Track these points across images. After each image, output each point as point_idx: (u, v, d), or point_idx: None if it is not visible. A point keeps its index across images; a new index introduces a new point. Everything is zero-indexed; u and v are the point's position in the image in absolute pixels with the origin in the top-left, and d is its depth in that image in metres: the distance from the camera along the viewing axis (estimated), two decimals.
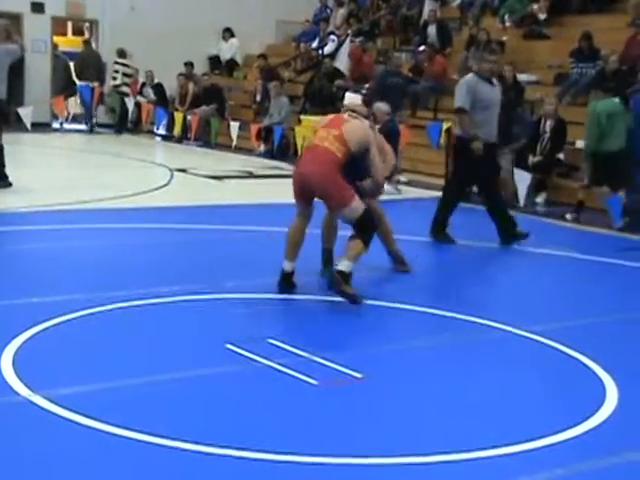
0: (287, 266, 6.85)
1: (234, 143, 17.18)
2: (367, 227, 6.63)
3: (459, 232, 9.79)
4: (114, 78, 19.73)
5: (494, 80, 9.39)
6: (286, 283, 6.84)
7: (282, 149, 16.36)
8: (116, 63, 19.82)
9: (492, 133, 9.19)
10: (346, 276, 6.48)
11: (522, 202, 11.60)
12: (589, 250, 8.95)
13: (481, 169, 9.20)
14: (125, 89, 19.72)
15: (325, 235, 7.48)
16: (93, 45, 20.55)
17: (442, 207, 9.43)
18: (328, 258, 7.50)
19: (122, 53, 19.73)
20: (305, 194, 6.80)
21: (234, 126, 17.33)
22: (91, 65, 19.63)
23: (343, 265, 6.51)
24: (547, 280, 8.25)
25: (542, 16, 16.74)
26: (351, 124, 6.80)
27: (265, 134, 16.75)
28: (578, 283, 8.10)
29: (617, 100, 11.17)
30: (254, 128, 16.87)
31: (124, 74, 19.70)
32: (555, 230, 10.62)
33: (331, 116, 7.08)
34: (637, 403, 4.99)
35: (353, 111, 7.00)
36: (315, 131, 6.97)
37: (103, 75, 19.78)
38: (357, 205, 6.59)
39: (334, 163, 6.61)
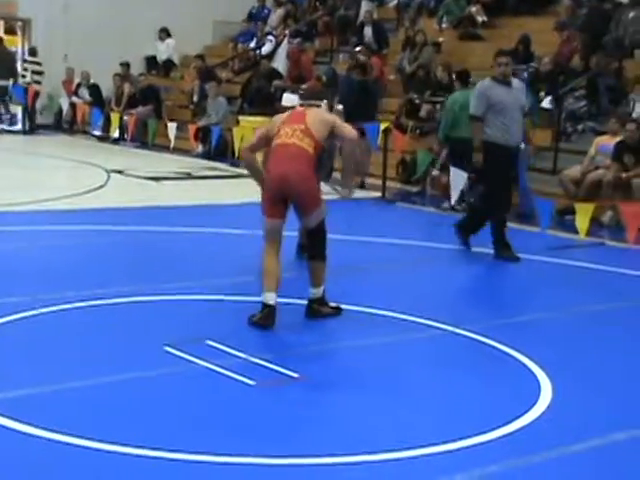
0: (271, 299, 6.14)
1: (172, 144, 17.06)
2: (321, 236, 6.37)
3: (403, 232, 9.86)
4: (23, 76, 19.52)
5: (514, 82, 8.98)
6: (273, 318, 6.13)
7: (220, 150, 16.29)
8: (25, 61, 19.71)
9: (511, 137, 8.76)
10: (321, 300, 6.42)
11: (453, 201, 11.64)
12: (523, 249, 9.05)
13: (505, 171, 8.87)
14: (36, 87, 19.51)
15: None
16: (31, 44, 20.26)
17: (492, 224, 8.90)
18: None
19: (33, 51, 19.72)
20: (283, 197, 6.28)
21: (171, 127, 17.20)
22: (2, 63, 19.36)
23: (314, 294, 6.39)
24: (483, 279, 8.35)
25: (480, 18, 16.94)
26: (313, 113, 6.50)
27: (203, 135, 16.66)
28: (513, 282, 8.21)
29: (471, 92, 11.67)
30: (192, 129, 16.77)
31: (33, 72, 19.50)
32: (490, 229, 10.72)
33: (286, 114, 6.58)
34: (571, 399, 5.08)
35: (312, 103, 6.65)
36: (277, 130, 6.42)
37: (15, 73, 19.51)
38: (323, 209, 6.37)
39: (309, 161, 6.30)
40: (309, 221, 6.37)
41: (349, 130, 6.50)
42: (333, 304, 6.50)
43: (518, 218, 10.83)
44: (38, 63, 19.55)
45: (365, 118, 13.17)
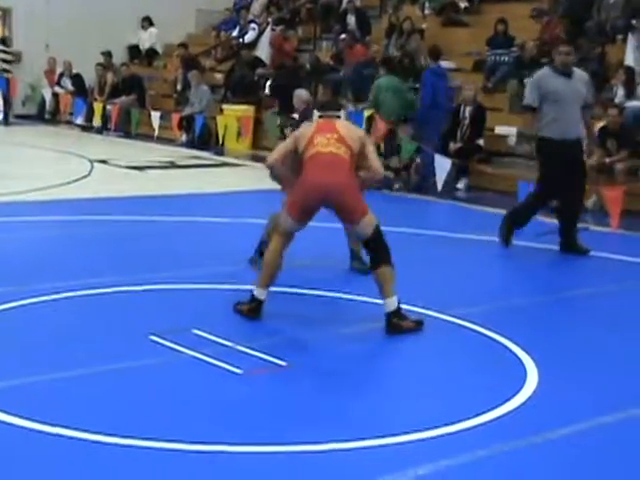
0: (262, 294, 6.07)
1: (155, 133, 17.01)
2: (380, 240, 6.03)
3: (385, 218, 9.85)
4: None
5: (577, 73, 8.50)
6: (259, 312, 6.09)
7: (204, 139, 16.25)
8: None
9: (567, 130, 8.29)
10: (399, 313, 5.94)
11: (440, 187, 11.73)
12: None
13: (563, 170, 8.36)
14: (5, 75, 19.38)
15: (268, 229, 7.23)
16: (11, 34, 20.15)
17: (521, 209, 8.76)
18: (263, 250, 7.40)
19: (4, 41, 19.68)
20: (320, 206, 6.06)
21: (155, 116, 17.15)
22: None
23: (390, 305, 5.91)
24: (469, 265, 8.36)
25: (462, 4, 16.97)
26: (342, 123, 6.31)
27: (187, 123, 16.62)
28: (499, 267, 8.23)
29: (397, 79, 12.87)
30: (175, 118, 16.72)
31: (3, 60, 19.38)
32: (476, 215, 10.76)
33: (312, 126, 6.27)
34: (556, 383, 5.10)
35: (331, 114, 6.41)
36: (308, 141, 6.09)
37: None
38: (371, 217, 6.02)
39: (348, 169, 6.05)
40: (360, 230, 6.04)
41: (379, 164, 6.35)
42: (414, 317, 6.04)
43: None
44: (8, 52, 19.43)
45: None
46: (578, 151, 8.54)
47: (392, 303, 5.92)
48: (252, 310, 6.08)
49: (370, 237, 6.00)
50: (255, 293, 6.09)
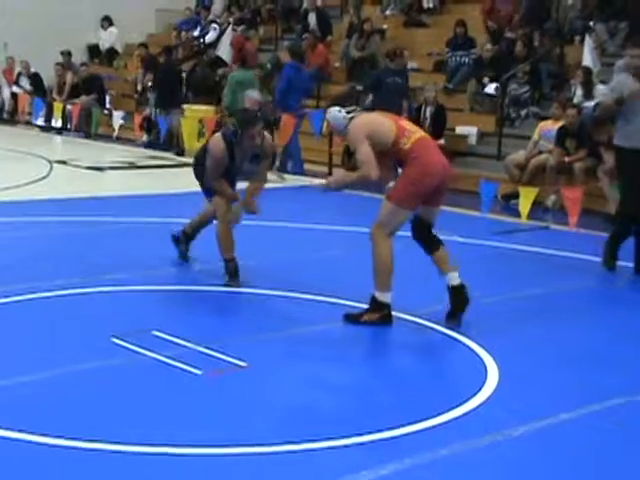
0: (388, 297, 6.03)
1: (115, 133, 16.88)
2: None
3: (346, 218, 9.86)
4: None
5: None
6: (390, 317, 6.05)
7: (165, 139, 16.13)
8: None
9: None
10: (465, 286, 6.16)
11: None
12: (469, 233, 9.13)
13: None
14: None
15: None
16: None
17: (613, 231, 8.11)
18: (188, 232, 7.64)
19: None
20: (438, 188, 6.04)
21: (116, 116, 17.02)
22: None
23: (457, 278, 6.18)
24: (426, 264, 8.38)
25: (427, 5, 17.04)
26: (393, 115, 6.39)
27: (148, 124, 16.50)
28: (460, 266, 8.25)
29: (249, 72, 14.31)
30: (137, 118, 16.60)
31: None
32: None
33: (381, 118, 6.14)
34: (517, 381, 5.14)
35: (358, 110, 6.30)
36: (397, 132, 5.94)
37: None
38: None
39: None
40: (437, 213, 6.26)
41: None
42: None
43: None
44: None
45: (172, 103, 15.46)
46: None
47: (458, 276, 6.15)
48: (385, 317, 6.00)
49: (433, 222, 6.26)
50: (381, 299, 6.01)
